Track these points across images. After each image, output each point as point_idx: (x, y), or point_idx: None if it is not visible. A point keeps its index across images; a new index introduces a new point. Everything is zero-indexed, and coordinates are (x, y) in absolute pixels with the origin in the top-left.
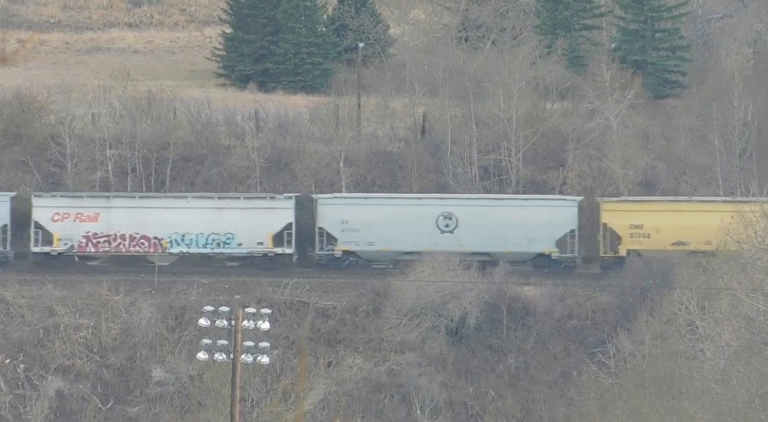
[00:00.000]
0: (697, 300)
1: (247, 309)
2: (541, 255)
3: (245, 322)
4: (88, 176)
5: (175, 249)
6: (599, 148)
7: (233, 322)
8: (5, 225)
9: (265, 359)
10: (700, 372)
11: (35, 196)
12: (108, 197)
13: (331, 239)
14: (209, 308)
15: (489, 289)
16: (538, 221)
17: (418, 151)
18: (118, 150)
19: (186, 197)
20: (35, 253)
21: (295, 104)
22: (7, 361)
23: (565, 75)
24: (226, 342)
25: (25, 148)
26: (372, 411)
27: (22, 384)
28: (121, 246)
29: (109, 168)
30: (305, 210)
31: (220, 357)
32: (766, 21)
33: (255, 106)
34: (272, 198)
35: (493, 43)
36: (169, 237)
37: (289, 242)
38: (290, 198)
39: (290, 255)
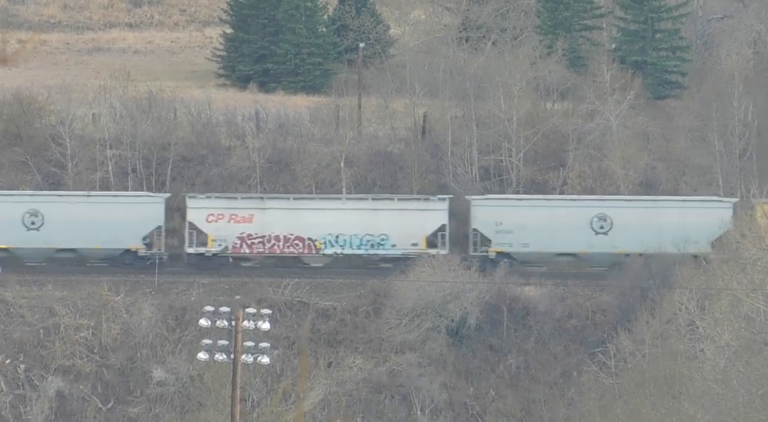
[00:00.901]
0: (698, 301)
1: (247, 310)
2: (694, 256)
3: (245, 323)
4: (89, 176)
5: (329, 251)
6: (599, 149)
7: (233, 323)
8: (159, 227)
9: (265, 359)
10: (701, 372)
11: (189, 197)
12: (262, 198)
13: (485, 240)
14: (210, 308)
15: (489, 289)
16: (695, 222)
17: (418, 151)
18: (118, 150)
19: (341, 198)
20: (189, 254)
21: (296, 104)
22: (8, 361)
23: (566, 75)
24: (227, 342)
25: (26, 149)
26: (372, 411)
27: (23, 385)
28: (276, 247)
29: (110, 168)
30: (458, 211)
31: (220, 357)
32: (766, 21)
33: (255, 107)
34: (426, 199)
35: (493, 43)
36: (324, 238)
37: (442, 243)
38: (444, 199)
39: (444, 256)
